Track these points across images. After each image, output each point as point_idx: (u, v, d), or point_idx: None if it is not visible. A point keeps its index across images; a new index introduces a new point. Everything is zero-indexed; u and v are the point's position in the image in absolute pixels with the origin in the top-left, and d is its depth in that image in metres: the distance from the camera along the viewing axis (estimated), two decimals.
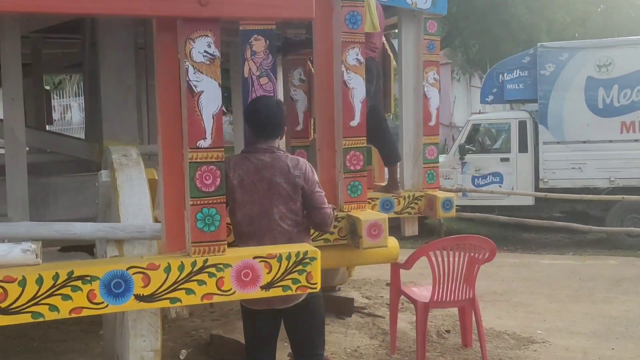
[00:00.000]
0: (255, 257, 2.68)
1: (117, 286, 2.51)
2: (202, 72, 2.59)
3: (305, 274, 2.74)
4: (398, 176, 5.26)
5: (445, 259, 4.41)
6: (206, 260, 2.61)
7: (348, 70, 3.87)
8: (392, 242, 4.08)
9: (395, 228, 4.26)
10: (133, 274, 2.53)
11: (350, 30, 3.86)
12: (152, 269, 2.55)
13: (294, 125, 4.83)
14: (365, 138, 3.94)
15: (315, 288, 2.77)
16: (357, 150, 3.92)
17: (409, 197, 4.91)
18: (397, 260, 4.27)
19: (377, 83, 4.75)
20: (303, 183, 3.13)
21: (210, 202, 2.63)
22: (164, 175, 2.72)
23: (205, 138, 2.61)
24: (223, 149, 2.64)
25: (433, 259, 4.40)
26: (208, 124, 2.61)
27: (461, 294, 4.50)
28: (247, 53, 3.75)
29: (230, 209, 3.14)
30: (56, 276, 2.43)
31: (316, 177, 3.20)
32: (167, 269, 2.56)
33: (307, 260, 2.75)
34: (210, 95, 2.60)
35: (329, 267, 3.93)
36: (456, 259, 4.42)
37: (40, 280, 2.41)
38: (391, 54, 5.59)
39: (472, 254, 4.46)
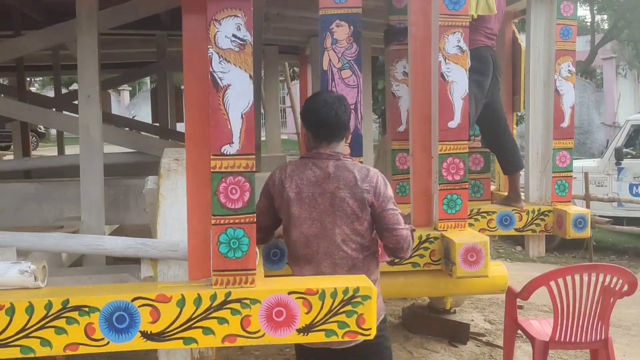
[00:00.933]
0: (291, 293, 2.14)
1: (120, 320, 2.08)
2: (229, 62, 2.09)
3: (355, 316, 2.16)
4: (523, 187, 4.51)
5: (570, 291, 3.60)
6: (229, 294, 2.12)
7: (447, 60, 3.20)
8: (499, 270, 3.36)
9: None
10: (139, 306, 2.09)
11: (450, 11, 3.18)
12: (162, 301, 2.09)
13: (395, 125, 4.21)
14: (466, 142, 3.25)
15: (369, 335, 2.18)
16: (456, 157, 3.24)
17: (533, 211, 4.15)
18: (504, 292, 3.53)
19: (494, 76, 4.01)
20: (372, 199, 2.52)
21: (236, 221, 2.13)
22: (188, 187, 2.25)
23: (232, 143, 2.11)
24: (254, 157, 2.12)
25: (555, 290, 3.60)
26: (236, 125, 2.11)
27: (590, 334, 3.66)
28: (327, 42, 3.21)
29: (284, 226, 2.62)
30: (49, 305, 2.04)
31: (390, 191, 2.58)
32: (181, 303, 2.10)
33: (359, 299, 2.17)
34: (239, 90, 2.10)
35: (418, 296, 3.29)
36: (584, 292, 3.60)
37: (30, 309, 2.04)
38: (522, 44, 4.80)
39: (605, 285, 3.61)
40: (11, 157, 11.40)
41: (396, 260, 3.16)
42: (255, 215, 2.14)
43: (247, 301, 2.12)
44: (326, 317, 2.15)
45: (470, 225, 4.14)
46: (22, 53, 4.71)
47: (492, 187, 4.94)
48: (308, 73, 8.44)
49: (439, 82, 3.21)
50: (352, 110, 3.22)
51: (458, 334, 5.16)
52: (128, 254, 2.60)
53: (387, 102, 4.58)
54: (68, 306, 2.05)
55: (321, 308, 2.15)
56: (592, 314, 3.67)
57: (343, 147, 2.66)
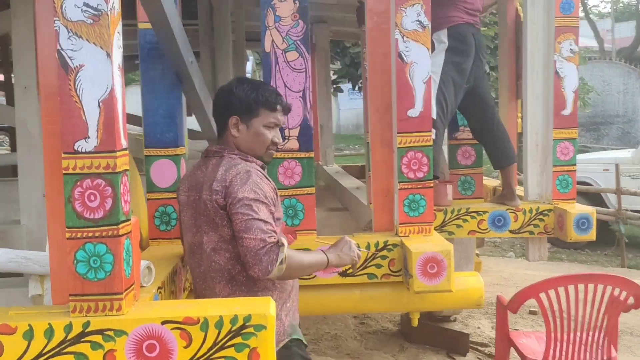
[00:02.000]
0: (165, 322, 1.73)
1: None
2: (80, 37, 1.68)
3: (246, 350, 1.74)
4: (519, 183, 4.01)
5: (564, 305, 3.10)
6: (87, 324, 1.71)
7: (405, 38, 2.73)
8: (474, 281, 2.88)
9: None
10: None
11: None
12: (5, 332, 1.70)
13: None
14: (428, 134, 2.78)
15: None
16: (418, 151, 2.78)
17: (530, 211, 3.67)
18: (481, 307, 3.04)
19: (477, 58, 3.52)
20: (222, 200, 2.08)
21: (97, 234, 1.72)
22: (47, 192, 1.86)
23: (88, 137, 1.70)
24: (118, 154, 1.71)
25: (545, 303, 3.10)
26: (92, 115, 1.70)
27: (591, 354, 3.16)
28: (269, 19, 2.78)
29: None
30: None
31: (248, 192, 2.04)
32: (28, 335, 1.70)
33: (250, 330, 1.74)
34: (94, 71, 1.69)
35: (377, 312, 2.85)
36: (580, 305, 3.10)
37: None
38: None
39: (608, 297, 3.11)
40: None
41: (349, 271, 2.73)
42: (119, 227, 1.73)
43: (111, 333, 1.72)
44: (210, 353, 1.73)
45: (459, 226, 3.68)
46: None
47: (497, 183, 4.45)
48: (315, 62, 8.02)
49: (396, 64, 2.74)
50: (300, 99, 2.81)
51: (457, 344, 4.68)
52: (9, 268, 2.23)
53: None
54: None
55: (203, 341, 1.73)
56: (592, 330, 3.16)
57: (233, 140, 2.21)
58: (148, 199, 2.75)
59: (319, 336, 5.00)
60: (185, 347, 1.73)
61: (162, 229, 2.75)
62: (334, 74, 11.29)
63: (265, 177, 2.17)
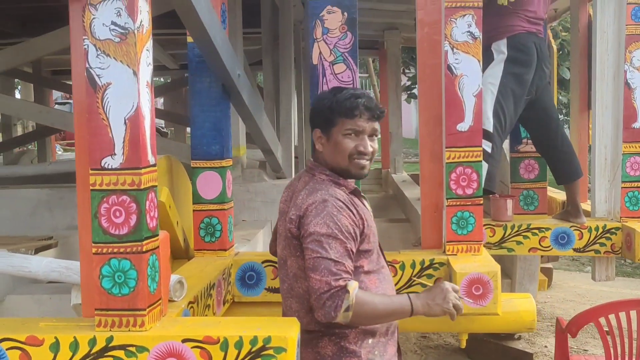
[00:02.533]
0: (186, 340, 1.72)
1: None
2: (108, 55, 1.71)
3: None
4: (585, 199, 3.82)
5: (626, 330, 2.91)
6: (111, 339, 1.73)
7: (455, 49, 2.63)
8: (526, 304, 2.74)
9: None
10: (7, 349, 1.76)
11: None
12: (33, 344, 1.75)
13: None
14: (479, 149, 2.67)
15: None
16: (468, 166, 2.67)
17: (597, 228, 3.48)
18: (533, 330, 2.90)
19: (539, 68, 3.37)
20: (296, 230, 1.91)
21: (122, 250, 1.74)
22: (79, 206, 1.90)
23: (114, 154, 1.72)
24: (145, 171, 1.72)
25: (605, 327, 2.93)
26: (118, 132, 1.72)
27: None
28: (317, 31, 2.75)
29: None
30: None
31: (320, 226, 1.85)
32: (54, 347, 1.74)
33: (270, 352, 1.71)
34: (121, 89, 1.72)
35: (425, 332, 2.76)
36: None
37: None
38: (554, 46, 4.11)
39: None
40: None
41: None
42: (142, 243, 1.74)
43: (133, 349, 1.73)
44: None
45: (519, 243, 3.53)
46: (37, 56, 4.61)
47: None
48: (386, 69, 7.95)
49: (445, 76, 2.65)
50: None
51: None
52: (52, 278, 2.30)
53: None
54: None
55: None
56: None
57: (322, 157, 2.01)
58: (194, 210, 2.77)
59: None
60: None
61: (207, 240, 2.77)
62: (408, 80, 11.18)
63: (348, 207, 1.91)
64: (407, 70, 10.93)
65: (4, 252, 2.40)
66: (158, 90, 9.65)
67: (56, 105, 11.66)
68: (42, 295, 2.77)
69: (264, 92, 5.53)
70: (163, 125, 13.28)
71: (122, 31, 1.70)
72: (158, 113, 10.73)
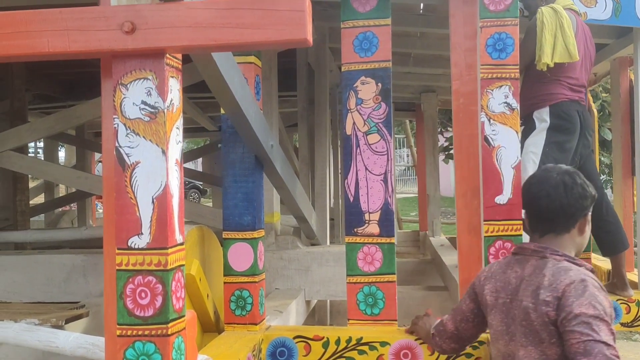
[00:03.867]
0: None
1: None
2: (137, 134, 1.70)
3: None
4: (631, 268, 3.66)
5: None
6: None
7: (492, 121, 2.58)
8: None
9: None
10: None
11: (494, 61, 2.58)
12: None
13: None
14: (519, 222, 2.58)
15: None
16: (507, 240, 2.58)
17: None
18: None
19: (583, 136, 3.28)
20: (554, 313, 1.82)
21: (146, 332, 1.69)
22: (106, 285, 1.86)
23: (141, 234, 1.69)
24: (170, 251, 1.69)
25: None
26: (145, 211, 1.70)
27: None
28: (351, 102, 2.74)
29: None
30: None
31: (587, 307, 1.76)
32: None
33: None
34: (149, 167, 1.70)
35: None
36: None
37: None
38: (595, 110, 4.03)
39: None
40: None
41: None
42: (168, 326, 1.68)
43: None
44: None
45: None
46: (80, 122, 4.70)
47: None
48: (423, 131, 7.92)
49: (482, 148, 2.59)
50: (382, 182, 2.72)
51: None
52: (79, 354, 2.25)
53: None
54: None
55: None
56: None
57: (569, 241, 1.97)
58: (225, 282, 2.72)
59: None
60: None
61: (238, 313, 2.70)
62: (446, 141, 11.12)
63: (602, 287, 1.86)
64: (444, 131, 10.91)
65: (32, 326, 2.37)
66: (197, 152, 9.78)
67: (99, 164, 11.88)
68: None
69: (299, 155, 5.53)
70: (201, 183, 13.45)
71: (152, 110, 1.69)
72: (196, 174, 10.87)
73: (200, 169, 13.64)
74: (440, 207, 7.79)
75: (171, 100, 1.72)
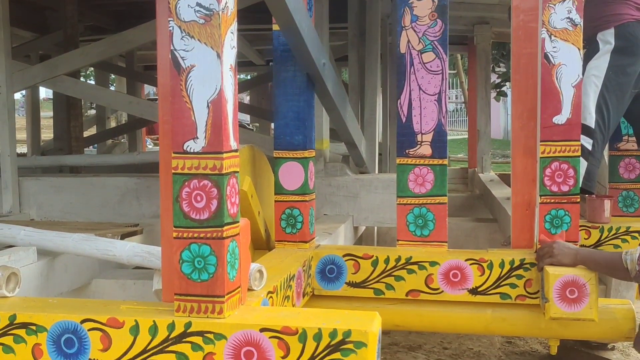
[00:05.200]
0: (264, 330, 1.68)
1: (68, 344, 1.77)
2: (193, 37, 1.69)
3: None
4: None
5: None
6: (189, 324, 1.71)
7: (553, 37, 2.48)
8: (624, 310, 2.55)
9: None
10: (89, 329, 1.76)
11: None
12: (113, 326, 1.75)
13: None
14: (577, 143, 2.50)
15: None
16: (564, 162, 2.51)
17: None
18: (631, 339, 2.68)
19: None
20: None
21: (202, 235, 1.72)
22: (162, 188, 1.89)
23: (197, 138, 1.70)
24: (225, 156, 1.69)
25: None
26: (201, 116, 1.70)
27: None
28: (406, 19, 2.67)
29: None
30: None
31: None
32: (134, 330, 1.73)
33: (350, 346, 1.64)
34: (205, 71, 1.69)
35: (510, 335, 2.62)
36: None
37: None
38: None
39: None
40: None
41: (480, 289, 2.54)
42: (222, 229, 1.70)
43: (211, 336, 1.69)
44: None
45: (616, 247, 3.31)
46: (129, 47, 4.71)
47: None
48: (476, 64, 7.72)
49: (542, 65, 2.50)
50: (436, 102, 2.67)
51: None
52: (134, 262, 2.31)
53: None
54: (15, 322, 1.79)
55: (301, 353, 1.66)
56: None
57: None
58: (275, 201, 2.74)
59: (461, 352, 4.76)
60: (282, 357, 1.67)
61: (288, 231, 2.73)
62: (498, 77, 10.84)
63: None
64: (497, 68, 10.62)
65: (91, 236, 2.44)
66: (244, 85, 9.77)
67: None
68: (126, 280, 2.80)
69: (349, 87, 5.47)
70: (249, 122, 13.52)
71: (207, 12, 1.66)
72: (243, 107, 10.89)
73: (248, 101, 13.62)
74: (490, 145, 7.65)
75: (226, 3, 1.69)
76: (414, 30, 2.66)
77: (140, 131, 8.43)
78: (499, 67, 10.72)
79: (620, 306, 2.57)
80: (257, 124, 11.17)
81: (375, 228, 4.56)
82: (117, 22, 6.81)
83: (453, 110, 25.89)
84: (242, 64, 9.05)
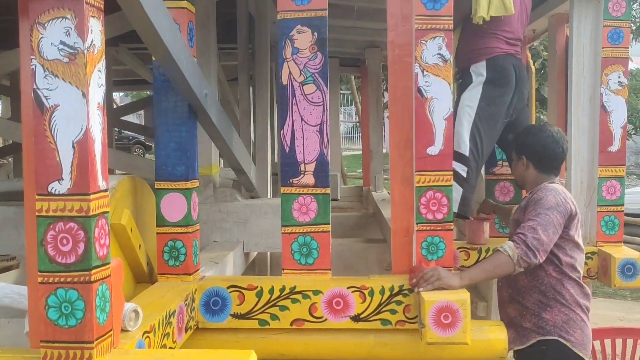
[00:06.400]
0: None
1: None
2: (56, 76, 1.64)
3: None
4: None
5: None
6: None
7: (425, 72, 2.59)
8: (497, 332, 2.68)
9: None
10: None
11: (429, 12, 2.57)
12: None
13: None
14: (449, 173, 2.62)
15: None
16: (438, 191, 2.62)
17: None
18: (505, 359, 2.82)
19: (518, 90, 3.33)
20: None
21: (68, 280, 1.66)
22: (27, 231, 1.81)
23: (62, 179, 1.65)
24: (93, 197, 1.65)
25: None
26: (66, 156, 1.65)
27: None
28: (287, 51, 2.70)
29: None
30: None
31: (545, 204, 2.70)
32: None
33: None
34: (69, 111, 1.65)
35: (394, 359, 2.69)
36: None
37: None
38: (532, 66, 4.10)
39: None
40: None
41: (362, 316, 2.59)
42: (90, 273, 1.66)
43: None
44: None
45: None
46: (11, 68, 4.51)
47: None
48: (367, 87, 7.92)
49: (415, 99, 2.61)
50: (317, 133, 2.72)
51: None
52: (4, 304, 2.20)
53: None
54: None
55: None
56: None
57: None
58: (157, 233, 2.69)
59: None
60: None
61: (171, 264, 2.69)
62: None
63: None
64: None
65: None
66: (138, 104, 9.56)
67: None
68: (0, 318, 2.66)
69: (240, 107, 5.46)
70: (143, 138, 13.17)
71: (71, 51, 1.63)
72: (136, 128, 10.64)
73: (142, 122, 13.37)
74: (383, 163, 7.85)
75: (92, 41, 1.66)
76: (295, 63, 2.70)
77: None
78: None
79: (493, 328, 2.70)
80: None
81: (268, 253, 4.56)
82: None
83: (352, 127, 26.37)
84: (136, 82, 8.84)
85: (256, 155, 4.67)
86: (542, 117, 9.66)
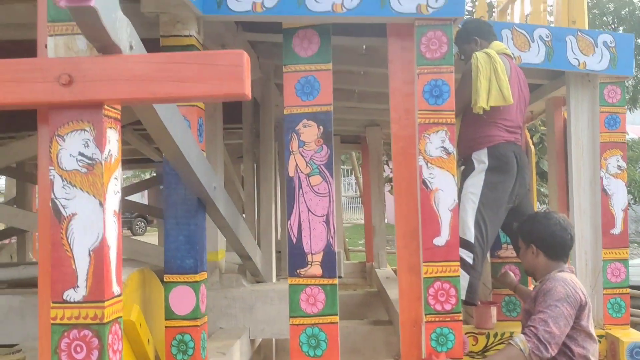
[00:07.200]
0: None
1: None
2: (74, 185, 1.69)
3: None
4: None
5: None
6: None
7: (429, 164, 2.65)
8: None
9: None
10: None
11: (431, 107, 2.66)
12: None
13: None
14: (456, 264, 2.64)
15: None
16: (446, 281, 2.64)
17: None
18: None
19: (520, 177, 3.38)
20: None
21: None
22: (40, 341, 1.82)
23: (77, 287, 1.67)
24: (107, 304, 1.67)
25: None
26: (82, 264, 1.68)
27: None
28: (293, 144, 2.77)
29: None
30: None
31: (555, 296, 2.60)
32: None
33: None
34: (86, 220, 1.69)
35: None
36: None
37: None
38: (532, 147, 4.18)
39: None
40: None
41: None
42: None
43: None
44: None
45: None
46: (19, 158, 4.58)
47: None
48: (368, 164, 8.03)
49: (421, 191, 2.66)
50: (324, 223, 2.76)
51: None
52: None
53: None
54: None
55: None
56: None
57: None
58: (166, 327, 2.69)
59: None
60: None
61: (179, 358, 2.67)
62: (391, 172, 11.24)
63: None
64: (390, 161, 11.04)
65: None
66: (143, 184, 9.65)
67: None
68: None
69: (245, 190, 5.51)
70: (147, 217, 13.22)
71: (89, 162, 1.68)
72: (140, 207, 10.69)
73: (146, 199, 13.46)
74: (385, 238, 7.86)
75: (109, 151, 1.72)
76: (302, 155, 2.77)
77: (30, 233, 8.07)
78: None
79: None
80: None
81: (274, 339, 4.52)
82: (7, 122, 6.61)
83: (352, 197, 26.45)
84: (140, 161, 8.94)
85: (261, 238, 4.69)
86: (541, 189, 9.73)
